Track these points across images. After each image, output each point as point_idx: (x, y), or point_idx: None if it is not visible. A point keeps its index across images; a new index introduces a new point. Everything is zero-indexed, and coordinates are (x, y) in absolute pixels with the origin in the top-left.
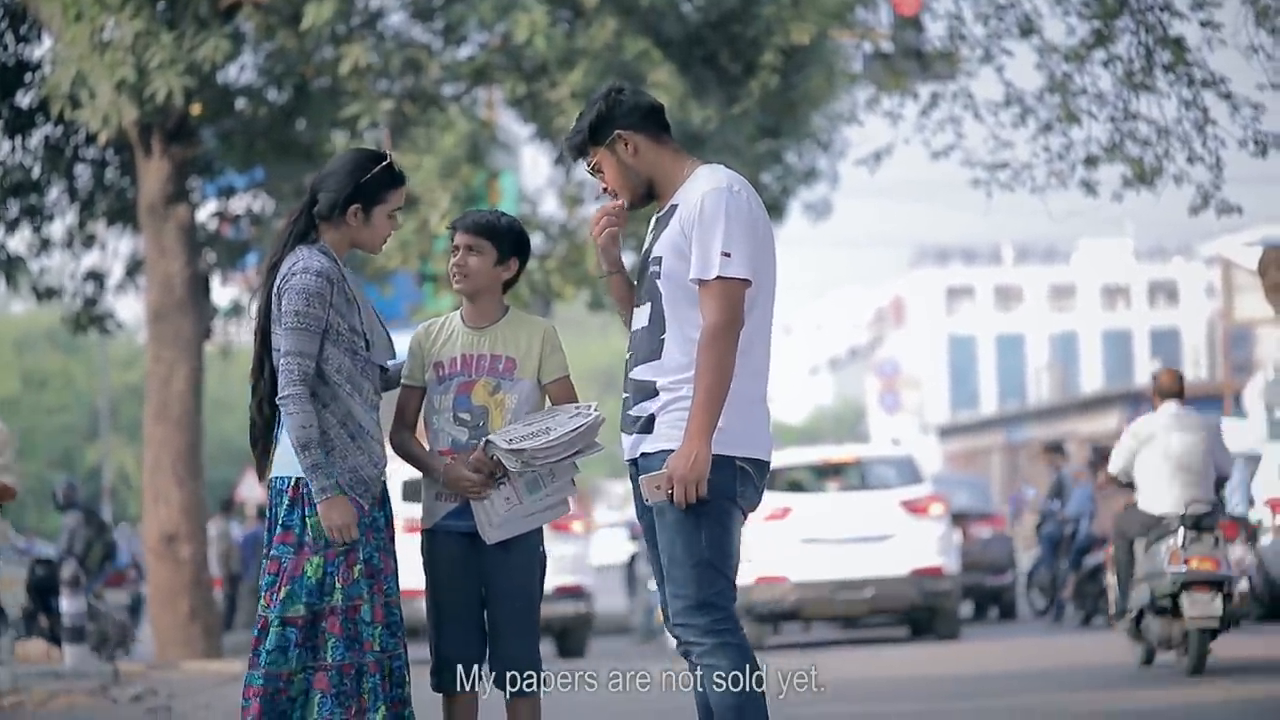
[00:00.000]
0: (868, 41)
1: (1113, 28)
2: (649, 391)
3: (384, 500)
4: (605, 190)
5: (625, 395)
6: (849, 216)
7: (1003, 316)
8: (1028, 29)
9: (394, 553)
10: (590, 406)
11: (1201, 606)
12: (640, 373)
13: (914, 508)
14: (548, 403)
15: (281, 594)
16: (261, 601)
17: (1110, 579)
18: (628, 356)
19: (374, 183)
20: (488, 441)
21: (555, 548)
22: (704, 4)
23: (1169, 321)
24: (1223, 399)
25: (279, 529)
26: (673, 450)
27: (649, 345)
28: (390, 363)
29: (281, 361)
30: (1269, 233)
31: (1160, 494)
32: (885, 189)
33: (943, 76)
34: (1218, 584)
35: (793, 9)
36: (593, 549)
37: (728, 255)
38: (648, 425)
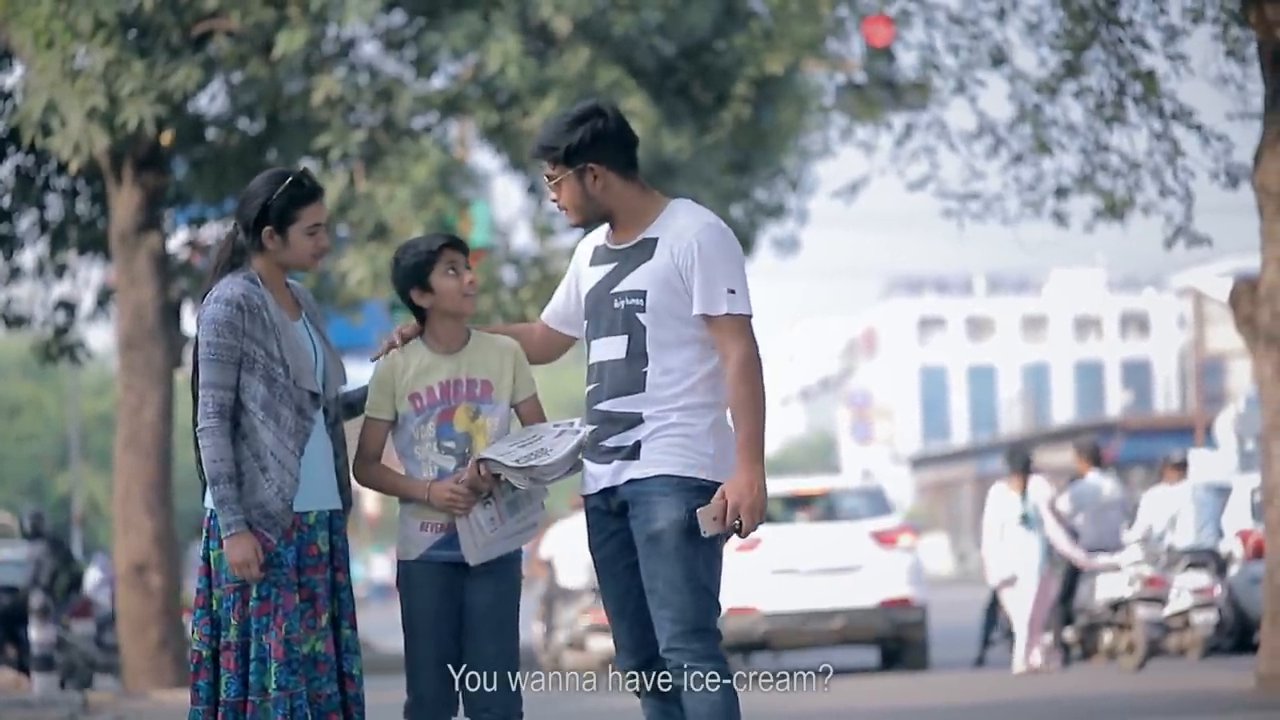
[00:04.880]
0: (840, 72)
1: (1084, 59)
2: (632, 421)
3: (311, 533)
4: (554, 201)
5: (594, 427)
6: (820, 247)
7: (974, 347)
8: (999, 59)
9: (298, 588)
10: (574, 423)
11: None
12: (619, 404)
13: (884, 539)
14: (517, 422)
15: (206, 629)
16: (194, 636)
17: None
18: (593, 387)
19: (282, 203)
20: (485, 459)
21: None
22: (676, 34)
23: (1141, 353)
24: (1194, 430)
25: (201, 562)
26: (666, 475)
27: (629, 377)
28: (344, 389)
29: (199, 394)
30: (1240, 264)
31: (577, 571)
32: (857, 219)
33: (915, 107)
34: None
35: (765, 39)
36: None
37: (733, 292)
38: (633, 453)
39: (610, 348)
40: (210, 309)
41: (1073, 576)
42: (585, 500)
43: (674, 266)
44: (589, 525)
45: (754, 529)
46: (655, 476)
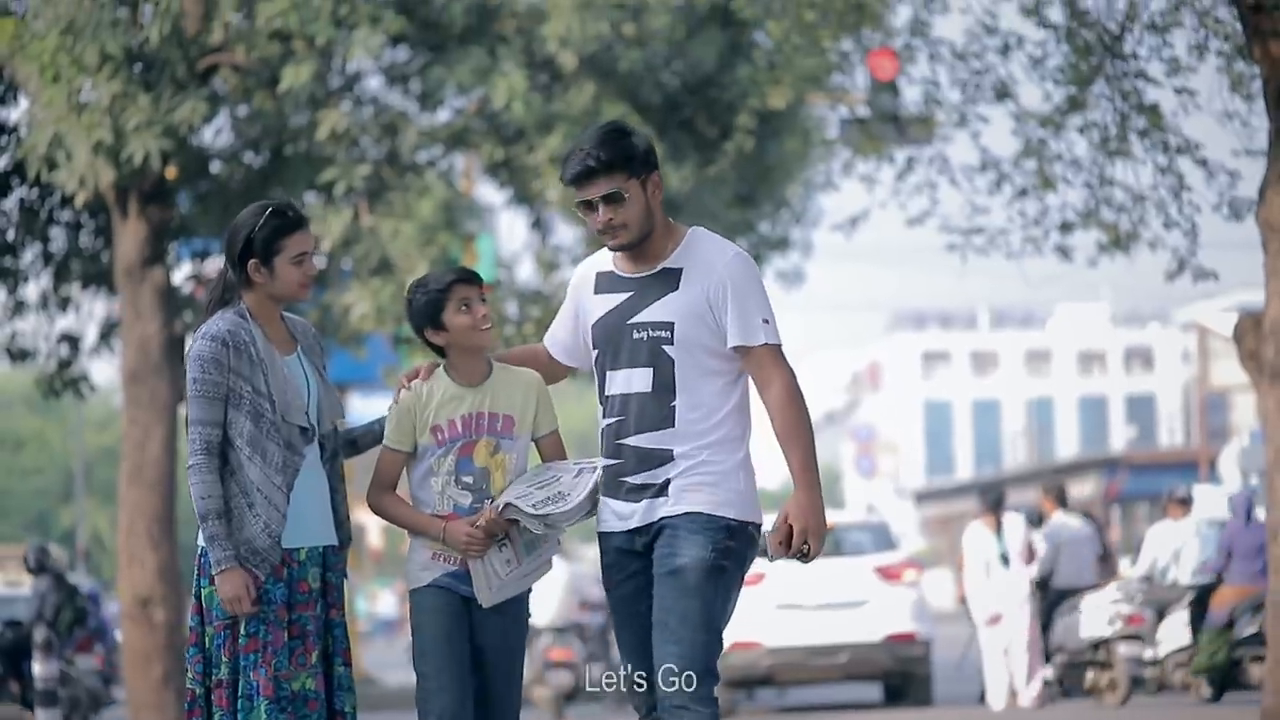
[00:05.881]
0: (844, 106)
1: (1088, 94)
2: (662, 459)
3: (301, 570)
4: (609, 223)
5: (617, 462)
6: (825, 281)
7: (979, 381)
8: (1003, 94)
9: (288, 625)
10: (594, 462)
11: (559, 678)
12: (649, 440)
13: (888, 574)
14: (536, 458)
15: (199, 666)
16: (189, 674)
17: None
18: (615, 421)
19: (265, 234)
20: (508, 505)
21: None
22: (681, 68)
23: (1145, 387)
24: (1198, 465)
25: (194, 599)
26: (695, 512)
27: (657, 412)
28: (349, 425)
29: (188, 431)
30: (1245, 298)
31: (542, 609)
32: (862, 253)
33: (919, 141)
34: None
35: (769, 73)
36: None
37: (766, 322)
38: (662, 490)
39: (633, 380)
40: (196, 346)
41: (1048, 614)
42: (604, 538)
43: (705, 299)
44: (607, 565)
45: (819, 553)
46: (685, 514)
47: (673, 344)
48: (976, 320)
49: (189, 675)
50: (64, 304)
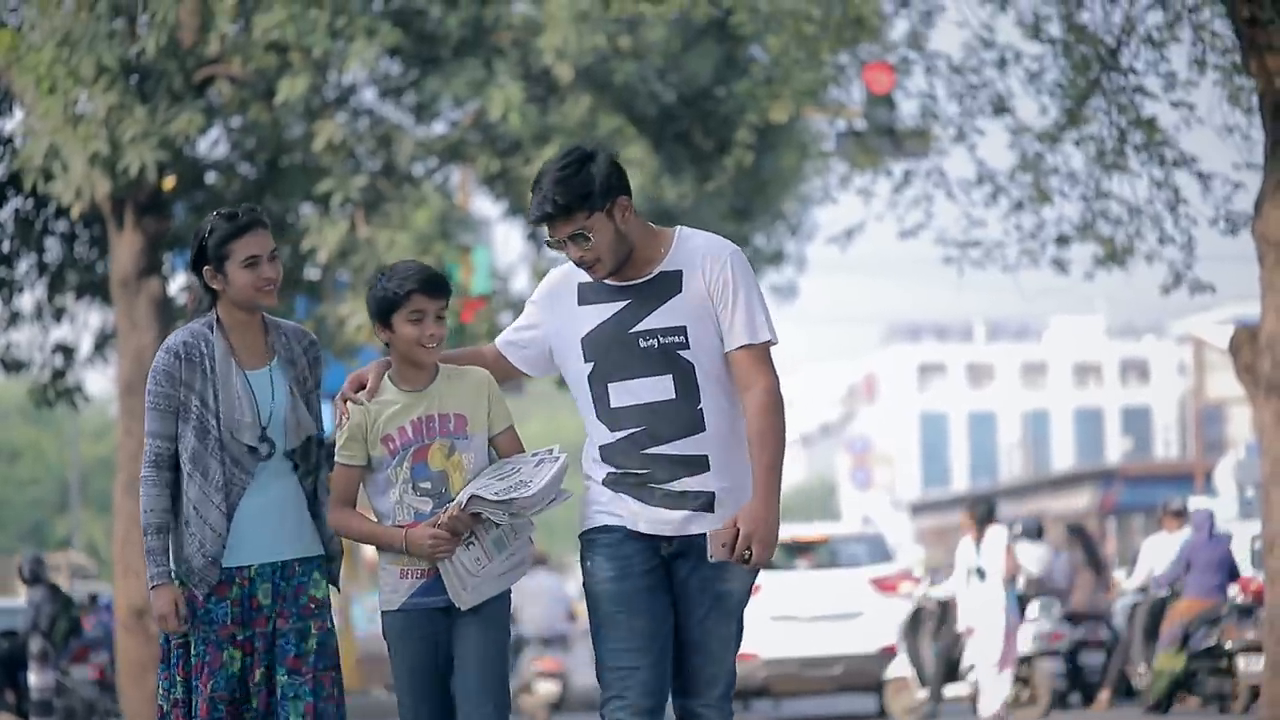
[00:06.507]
0: (840, 119)
1: (1085, 108)
2: (700, 465)
3: (251, 587)
4: (581, 260)
5: (644, 471)
6: (821, 293)
7: (974, 393)
8: (1000, 108)
9: (241, 643)
10: (551, 451)
11: (546, 687)
12: (680, 447)
13: (884, 586)
14: (493, 455)
15: (165, 683)
16: (159, 690)
17: None
18: (633, 432)
19: (215, 240)
20: (472, 497)
21: None
22: (677, 81)
23: (1140, 399)
24: (1194, 477)
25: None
26: None
27: (685, 417)
28: (331, 437)
29: (144, 443)
30: (1240, 311)
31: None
32: (858, 265)
33: (915, 154)
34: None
35: (766, 86)
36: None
37: (766, 318)
38: (708, 505)
39: (648, 389)
40: (156, 357)
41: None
42: (619, 529)
43: (707, 297)
44: (626, 554)
45: (763, 563)
46: None
47: (688, 348)
48: (972, 332)
49: (159, 691)
50: (59, 314)
